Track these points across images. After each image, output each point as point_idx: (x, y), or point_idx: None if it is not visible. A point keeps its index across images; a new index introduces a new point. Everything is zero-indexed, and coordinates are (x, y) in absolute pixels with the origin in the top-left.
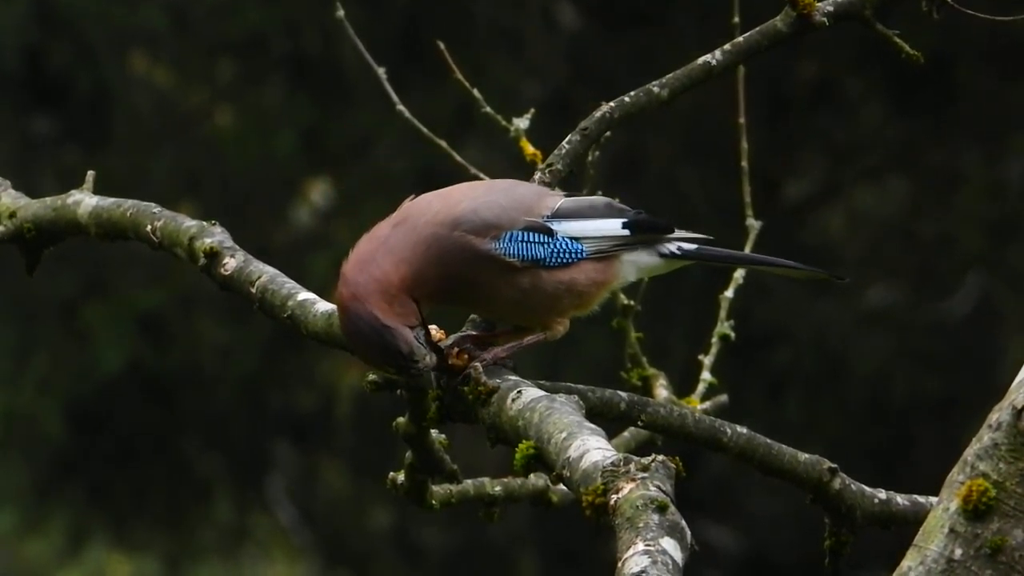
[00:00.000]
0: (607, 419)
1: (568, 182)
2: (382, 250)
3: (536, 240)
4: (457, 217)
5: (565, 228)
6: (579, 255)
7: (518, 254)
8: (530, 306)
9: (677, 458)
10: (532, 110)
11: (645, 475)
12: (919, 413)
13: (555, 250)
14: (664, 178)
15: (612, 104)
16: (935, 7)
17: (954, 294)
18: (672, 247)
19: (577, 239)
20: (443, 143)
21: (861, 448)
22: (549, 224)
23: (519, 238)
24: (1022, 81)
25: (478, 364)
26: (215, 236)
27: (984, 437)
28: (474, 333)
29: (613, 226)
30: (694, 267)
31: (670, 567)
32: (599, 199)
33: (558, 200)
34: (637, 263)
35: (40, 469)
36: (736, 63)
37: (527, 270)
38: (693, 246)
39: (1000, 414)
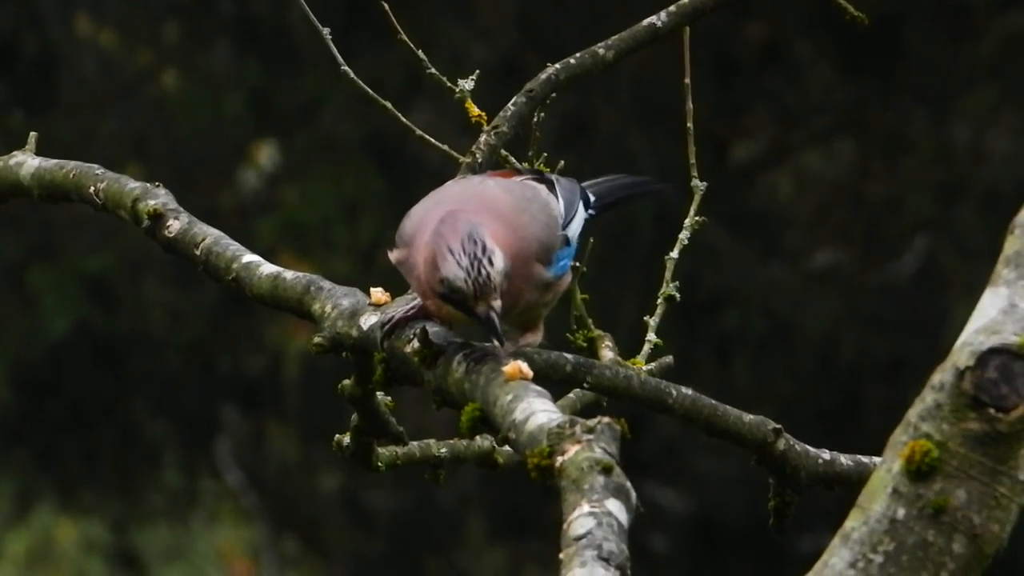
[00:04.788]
0: (553, 381)
1: (514, 144)
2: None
3: (566, 255)
4: (525, 250)
5: (569, 232)
6: (573, 256)
7: (560, 272)
8: (538, 313)
9: (623, 420)
10: (477, 72)
11: (590, 437)
12: (867, 374)
13: (568, 257)
14: (611, 140)
15: (558, 66)
16: None
17: (901, 256)
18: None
19: (572, 241)
20: (390, 106)
21: (810, 409)
22: (566, 233)
23: (561, 256)
24: (969, 44)
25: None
26: (159, 198)
27: (927, 398)
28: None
29: (581, 214)
30: (643, 229)
31: (615, 528)
32: (570, 183)
33: (559, 204)
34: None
35: None
36: (682, 24)
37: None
38: (592, 199)
39: (943, 375)
